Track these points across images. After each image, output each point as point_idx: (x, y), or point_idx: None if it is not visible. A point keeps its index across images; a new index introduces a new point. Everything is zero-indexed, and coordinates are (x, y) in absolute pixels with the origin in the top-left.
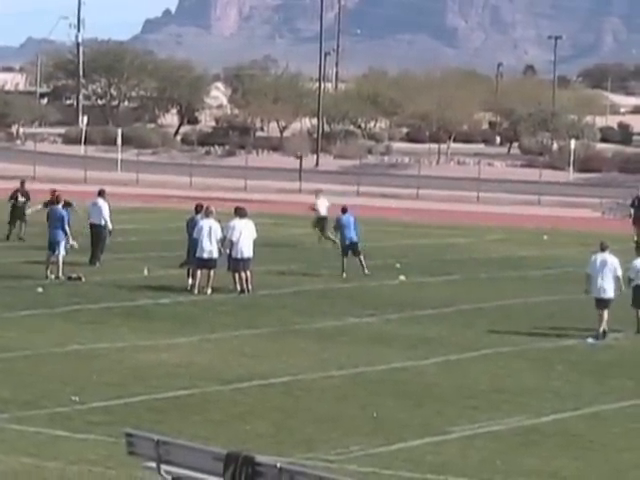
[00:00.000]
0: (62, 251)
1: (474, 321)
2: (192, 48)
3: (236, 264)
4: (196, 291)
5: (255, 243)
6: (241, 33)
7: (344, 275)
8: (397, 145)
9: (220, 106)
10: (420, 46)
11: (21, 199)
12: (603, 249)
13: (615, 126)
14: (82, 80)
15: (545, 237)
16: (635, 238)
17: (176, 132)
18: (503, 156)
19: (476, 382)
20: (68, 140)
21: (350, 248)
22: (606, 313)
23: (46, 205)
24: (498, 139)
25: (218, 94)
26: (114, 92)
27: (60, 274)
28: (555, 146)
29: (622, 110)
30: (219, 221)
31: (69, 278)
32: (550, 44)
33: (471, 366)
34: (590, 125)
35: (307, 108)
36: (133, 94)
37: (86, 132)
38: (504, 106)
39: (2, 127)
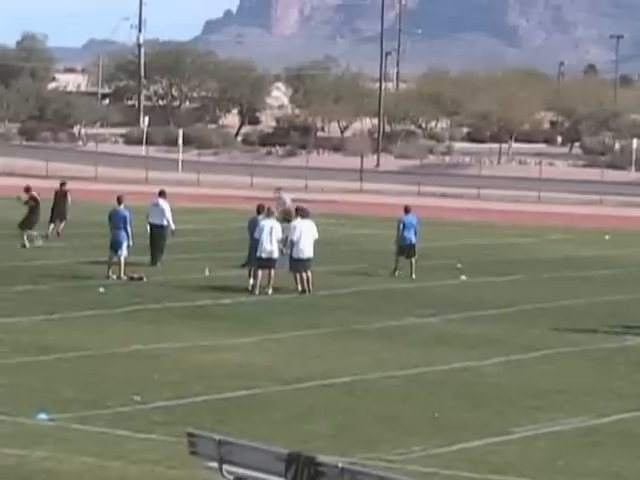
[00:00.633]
0: (124, 251)
1: (535, 321)
2: (253, 48)
3: (297, 264)
4: (257, 291)
5: (316, 243)
6: (302, 33)
7: (396, 274)
8: (458, 145)
9: (281, 106)
10: (481, 45)
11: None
12: None
13: None
14: (143, 81)
15: (607, 237)
16: None
17: (237, 132)
18: (564, 156)
19: (537, 382)
20: (129, 141)
21: (407, 249)
22: None
23: (26, 203)
24: (559, 139)
25: (279, 94)
26: (175, 93)
27: (122, 274)
28: (617, 146)
29: None
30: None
31: (131, 278)
32: (612, 43)
33: (532, 366)
34: None
35: (368, 108)
36: (194, 95)
37: (147, 133)
38: (565, 105)
39: (64, 128)
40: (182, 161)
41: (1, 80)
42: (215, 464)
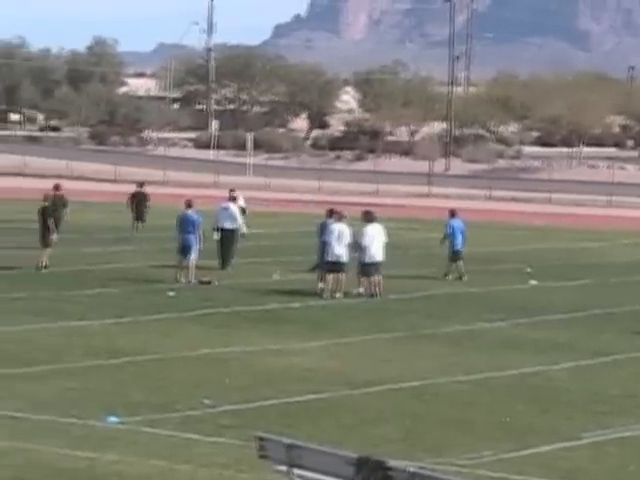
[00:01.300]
0: (194, 255)
1: (605, 326)
2: (322, 53)
3: (367, 268)
4: (326, 295)
5: (386, 247)
6: (371, 37)
7: (448, 278)
8: (528, 149)
9: (350, 110)
10: (550, 49)
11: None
12: None
13: None
14: (213, 85)
15: None
16: None
17: (306, 137)
18: (636, 159)
19: (607, 387)
20: (199, 145)
21: (457, 254)
22: None
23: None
24: (631, 143)
25: (348, 98)
26: (245, 97)
27: (192, 278)
28: None
29: None
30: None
31: (200, 282)
32: None
33: (602, 371)
34: None
35: (437, 112)
36: (263, 99)
37: (217, 137)
38: (636, 109)
39: (134, 132)
40: (251, 165)
41: (72, 85)
42: (284, 468)
